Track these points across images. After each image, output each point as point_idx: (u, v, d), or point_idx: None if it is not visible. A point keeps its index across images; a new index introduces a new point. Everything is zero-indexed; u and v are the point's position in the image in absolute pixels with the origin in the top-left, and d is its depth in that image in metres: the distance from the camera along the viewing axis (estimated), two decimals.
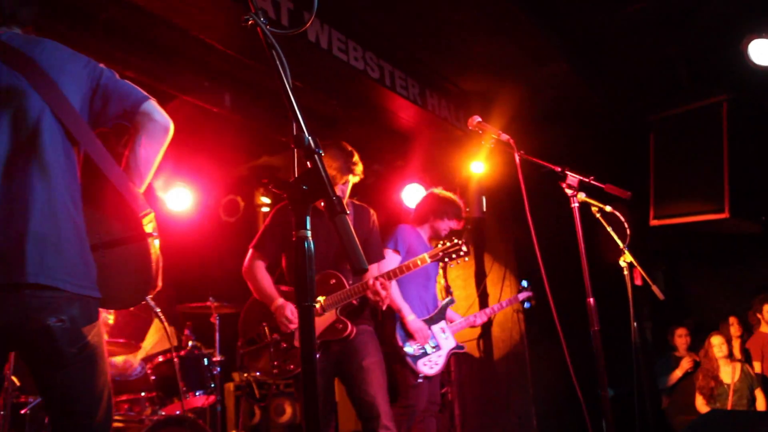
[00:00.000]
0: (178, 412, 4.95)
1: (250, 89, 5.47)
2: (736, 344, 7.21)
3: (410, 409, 4.79)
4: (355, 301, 3.88)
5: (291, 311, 3.83)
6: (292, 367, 3.88)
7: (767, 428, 3.88)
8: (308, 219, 1.56)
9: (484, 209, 6.82)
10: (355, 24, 5.20)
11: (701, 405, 6.87)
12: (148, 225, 2.28)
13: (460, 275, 7.20)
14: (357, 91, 5.60)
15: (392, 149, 6.89)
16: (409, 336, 4.82)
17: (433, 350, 4.91)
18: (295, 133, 1.58)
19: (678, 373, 7.41)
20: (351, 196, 4.18)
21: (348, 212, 1.47)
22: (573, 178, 3.51)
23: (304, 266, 1.54)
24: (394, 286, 4.77)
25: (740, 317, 7.85)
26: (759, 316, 7.17)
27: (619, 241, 4.62)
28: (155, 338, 5.85)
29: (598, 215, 4.38)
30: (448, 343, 5.04)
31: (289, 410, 6.54)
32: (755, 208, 6.60)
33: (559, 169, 3.51)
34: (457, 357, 6.31)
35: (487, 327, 6.90)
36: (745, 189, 6.35)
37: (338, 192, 3.97)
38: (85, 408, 2.21)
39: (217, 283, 6.19)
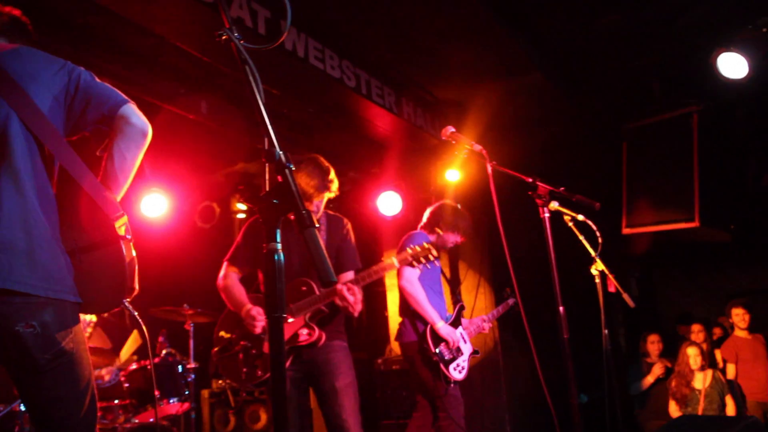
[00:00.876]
0: (151, 420, 4.94)
1: (227, 96, 5.47)
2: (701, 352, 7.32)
3: (451, 415, 4.80)
4: (324, 308, 3.88)
5: (257, 311, 3.84)
6: (260, 373, 3.90)
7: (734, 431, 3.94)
8: (278, 232, 1.58)
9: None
10: (331, 33, 5.23)
11: (674, 410, 6.97)
12: (121, 228, 2.26)
13: None
14: (334, 99, 5.64)
15: (368, 157, 6.93)
16: (439, 341, 4.84)
17: (459, 354, 4.95)
18: (266, 147, 1.60)
19: (650, 379, 7.51)
20: (326, 202, 4.19)
21: (318, 226, 1.49)
22: (543, 188, 3.55)
23: (274, 278, 1.56)
24: (423, 295, 4.83)
25: (709, 324, 8.02)
26: (730, 321, 7.33)
27: (590, 250, 4.69)
28: (132, 349, 5.82)
29: (570, 224, 4.44)
30: (467, 347, 5.07)
31: (264, 417, 6.53)
32: (725, 217, 6.71)
33: (530, 180, 3.55)
34: None
35: None
36: (715, 198, 6.46)
37: (314, 207, 4.01)
38: (64, 413, 2.20)
39: (192, 289, 6.18)
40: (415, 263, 3.94)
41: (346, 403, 3.80)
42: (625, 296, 5.01)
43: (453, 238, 5.18)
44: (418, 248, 3.94)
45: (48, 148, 2.24)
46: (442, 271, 5.34)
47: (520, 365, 6.90)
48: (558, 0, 5.12)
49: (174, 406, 5.23)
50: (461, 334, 5.07)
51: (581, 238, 4.61)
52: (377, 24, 5.21)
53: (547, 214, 3.53)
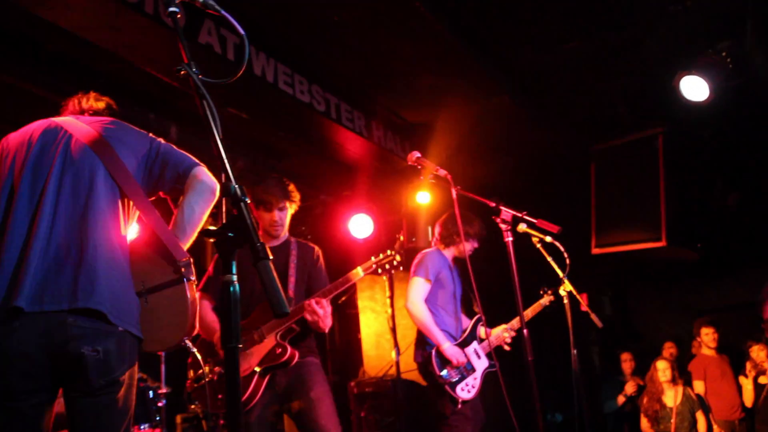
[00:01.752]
0: None
1: (196, 121, 5.46)
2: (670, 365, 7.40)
3: None
4: (295, 326, 3.89)
5: None
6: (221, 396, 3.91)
7: None
8: (233, 264, 1.60)
9: (431, 239, 6.91)
10: (300, 58, 5.27)
11: (646, 428, 7.03)
12: (187, 270, 2.47)
13: None
14: (303, 123, 5.66)
15: (339, 180, 6.95)
16: (445, 363, 4.85)
17: (468, 374, 4.94)
18: (223, 181, 1.63)
19: (622, 398, 7.58)
20: (298, 225, 4.21)
21: (271, 257, 1.53)
22: (507, 213, 3.60)
23: (230, 309, 1.58)
24: (428, 316, 4.87)
25: (680, 341, 8.11)
26: (699, 339, 7.41)
27: (558, 271, 4.76)
28: None
29: (538, 245, 4.51)
30: (481, 363, 5.04)
31: None
32: (691, 236, 6.82)
33: (494, 204, 3.61)
34: (404, 384, 6.32)
35: None
36: (681, 217, 6.57)
37: (276, 218, 4.04)
38: None
39: None
40: (380, 270, 3.98)
41: (323, 410, 3.81)
42: (593, 316, 5.08)
43: (470, 246, 5.20)
44: (381, 256, 3.99)
45: (128, 197, 2.53)
46: (471, 287, 5.32)
47: (492, 385, 6.91)
48: (523, 27, 5.20)
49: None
50: (475, 350, 5.06)
51: (549, 259, 4.67)
52: (346, 49, 5.27)
53: (509, 238, 3.58)
